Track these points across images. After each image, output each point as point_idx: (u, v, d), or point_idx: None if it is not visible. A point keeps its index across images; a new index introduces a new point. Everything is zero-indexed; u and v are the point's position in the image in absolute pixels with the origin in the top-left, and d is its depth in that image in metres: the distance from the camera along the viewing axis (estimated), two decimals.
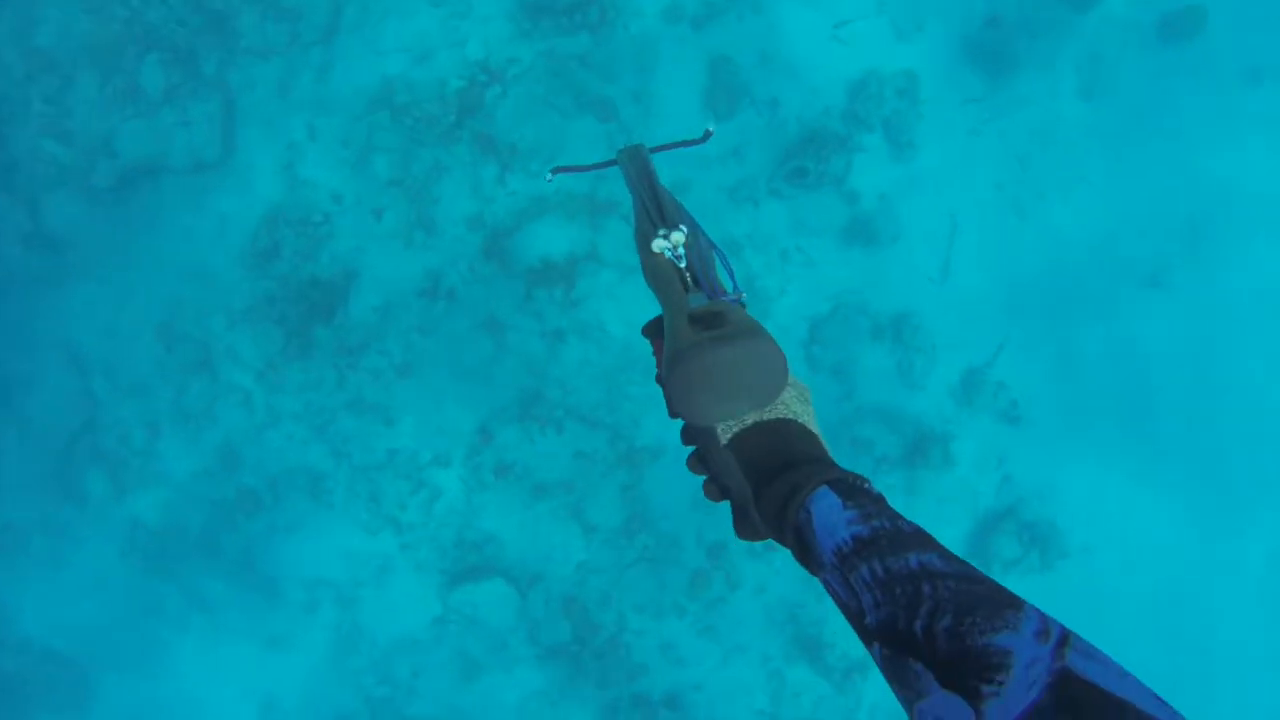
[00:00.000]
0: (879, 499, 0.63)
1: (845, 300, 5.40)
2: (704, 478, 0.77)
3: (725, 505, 0.76)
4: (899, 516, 0.60)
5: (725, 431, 0.71)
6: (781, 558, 5.58)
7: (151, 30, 5.29)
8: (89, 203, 5.58)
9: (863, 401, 5.52)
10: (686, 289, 0.71)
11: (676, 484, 5.61)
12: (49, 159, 5.48)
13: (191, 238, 5.65)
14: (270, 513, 5.94)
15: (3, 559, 5.83)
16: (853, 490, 0.63)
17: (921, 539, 0.56)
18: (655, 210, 0.75)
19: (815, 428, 0.72)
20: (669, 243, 0.72)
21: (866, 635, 0.54)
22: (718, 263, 0.77)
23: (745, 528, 0.73)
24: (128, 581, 5.91)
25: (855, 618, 0.55)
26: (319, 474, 5.86)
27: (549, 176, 1.06)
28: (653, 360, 0.81)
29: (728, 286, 0.76)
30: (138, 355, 5.85)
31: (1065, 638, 0.45)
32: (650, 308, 0.73)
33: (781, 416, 0.70)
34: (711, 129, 0.95)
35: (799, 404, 0.72)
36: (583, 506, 5.58)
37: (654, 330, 0.79)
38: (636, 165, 0.81)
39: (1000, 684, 0.43)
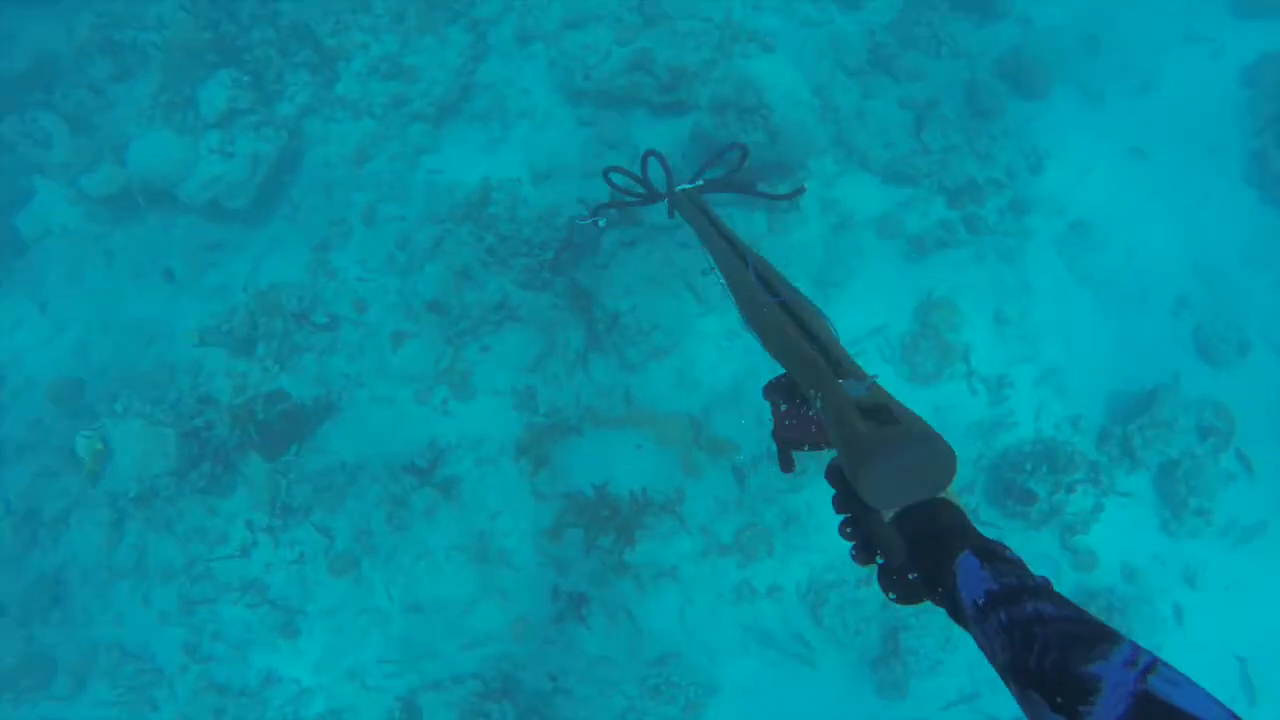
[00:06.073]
0: (1014, 561, 0.73)
1: None
2: (852, 545, 0.87)
3: None
4: (1028, 573, 0.70)
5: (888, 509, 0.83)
6: None
7: (237, 40, 4.18)
8: (68, 203, 4.23)
9: None
10: (836, 376, 0.85)
11: None
12: (43, 138, 4.23)
13: (158, 295, 4.16)
14: (63, 705, 3.82)
15: None
16: (990, 554, 0.74)
17: (1041, 591, 0.67)
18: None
19: (958, 500, 0.84)
20: None
21: (1003, 675, 0.64)
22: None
23: (897, 589, 0.84)
24: None
25: (992, 660, 0.66)
26: (157, 669, 3.80)
27: (599, 221, 1.20)
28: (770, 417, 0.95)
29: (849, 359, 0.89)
30: (19, 407, 4.18)
31: (1152, 665, 0.53)
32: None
33: (937, 495, 0.83)
34: (805, 187, 1.14)
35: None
36: None
37: (780, 393, 0.93)
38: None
39: (1092, 704, 0.52)
